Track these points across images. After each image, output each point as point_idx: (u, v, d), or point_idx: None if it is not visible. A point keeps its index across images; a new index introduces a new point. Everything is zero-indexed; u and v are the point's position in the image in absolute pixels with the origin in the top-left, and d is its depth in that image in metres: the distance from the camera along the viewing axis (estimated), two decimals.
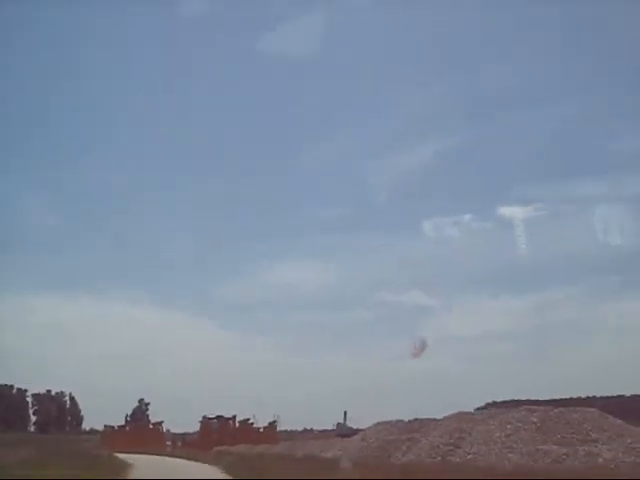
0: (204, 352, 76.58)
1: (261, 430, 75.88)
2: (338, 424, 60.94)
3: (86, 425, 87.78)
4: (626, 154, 52.97)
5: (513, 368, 56.06)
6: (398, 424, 29.38)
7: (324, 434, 60.77)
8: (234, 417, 77.39)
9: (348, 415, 62.72)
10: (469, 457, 22.95)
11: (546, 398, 46.31)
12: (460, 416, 27.15)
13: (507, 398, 49.19)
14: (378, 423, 31.03)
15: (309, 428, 68.10)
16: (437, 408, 36.51)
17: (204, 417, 78.48)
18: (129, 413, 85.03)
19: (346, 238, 71.10)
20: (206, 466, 36.06)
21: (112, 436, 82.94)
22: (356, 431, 41.95)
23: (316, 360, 70.29)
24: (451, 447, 24.22)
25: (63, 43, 67.64)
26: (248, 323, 76.66)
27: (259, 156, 75.29)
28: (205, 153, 71.72)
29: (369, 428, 31.55)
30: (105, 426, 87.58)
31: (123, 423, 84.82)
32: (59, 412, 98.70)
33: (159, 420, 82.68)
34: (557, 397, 45.15)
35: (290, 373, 69.80)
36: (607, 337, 57.07)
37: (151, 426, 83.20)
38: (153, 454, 56.36)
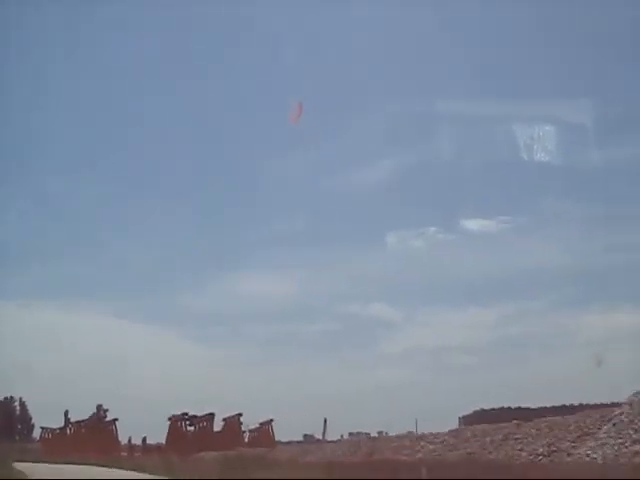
0: (170, 364, 71.20)
1: (247, 433, 57.15)
2: (305, 435, 59.51)
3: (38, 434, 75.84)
4: (596, 169, 47.19)
5: (478, 380, 55.32)
6: None
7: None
8: (212, 415, 57.83)
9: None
10: None
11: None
12: None
13: (471, 410, 49.28)
14: None
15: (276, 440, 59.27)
16: (407, 419, 35.36)
17: (173, 416, 58.80)
18: (81, 418, 64.87)
19: (311, 251, 69.31)
20: None
21: (52, 441, 63.57)
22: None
23: (281, 372, 65.61)
24: None
25: None
26: (214, 335, 74.99)
27: (222, 170, 75.41)
28: (170, 169, 76.02)
29: None
30: (42, 429, 67.70)
31: (63, 424, 64.09)
32: (7, 419, 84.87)
33: (113, 418, 62.64)
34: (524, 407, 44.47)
35: (256, 385, 63.94)
36: (571, 350, 56.84)
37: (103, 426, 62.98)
38: (99, 465, 36.80)
